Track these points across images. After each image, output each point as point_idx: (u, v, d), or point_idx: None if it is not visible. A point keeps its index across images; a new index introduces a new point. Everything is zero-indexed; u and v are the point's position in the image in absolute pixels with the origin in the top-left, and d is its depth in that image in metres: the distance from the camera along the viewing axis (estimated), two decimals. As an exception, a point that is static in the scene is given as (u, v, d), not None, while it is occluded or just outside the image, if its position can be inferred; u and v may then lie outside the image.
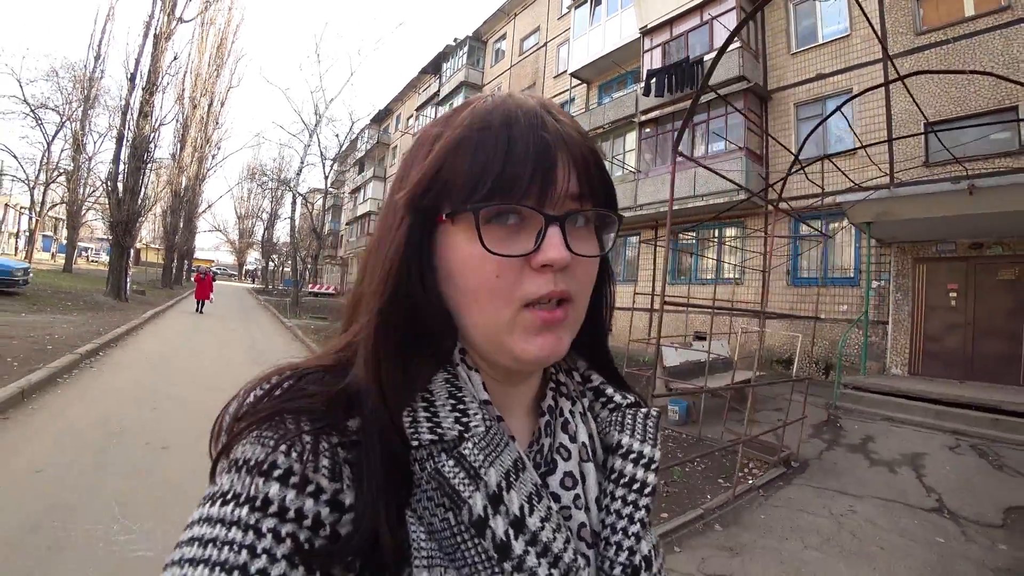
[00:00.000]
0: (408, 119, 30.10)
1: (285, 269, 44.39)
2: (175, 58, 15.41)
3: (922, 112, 6.91)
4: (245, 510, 0.32)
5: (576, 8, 15.70)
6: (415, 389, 0.40)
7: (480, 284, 0.40)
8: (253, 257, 59.70)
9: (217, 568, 0.30)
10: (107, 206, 15.76)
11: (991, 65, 8.62)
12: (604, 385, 0.53)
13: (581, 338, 0.46)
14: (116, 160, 14.52)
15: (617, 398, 0.52)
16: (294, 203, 23.93)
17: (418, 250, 0.41)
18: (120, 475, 3.50)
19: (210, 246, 62.99)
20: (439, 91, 25.37)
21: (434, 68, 26.45)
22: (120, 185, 14.37)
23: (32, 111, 23.76)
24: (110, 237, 15.89)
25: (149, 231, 38.57)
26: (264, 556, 0.31)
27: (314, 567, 0.32)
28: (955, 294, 8.64)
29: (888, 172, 9.30)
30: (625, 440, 0.49)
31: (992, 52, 8.71)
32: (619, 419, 0.50)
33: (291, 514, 0.32)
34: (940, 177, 8.55)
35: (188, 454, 3.92)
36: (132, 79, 14.65)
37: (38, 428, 4.28)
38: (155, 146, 15.02)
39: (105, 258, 49.43)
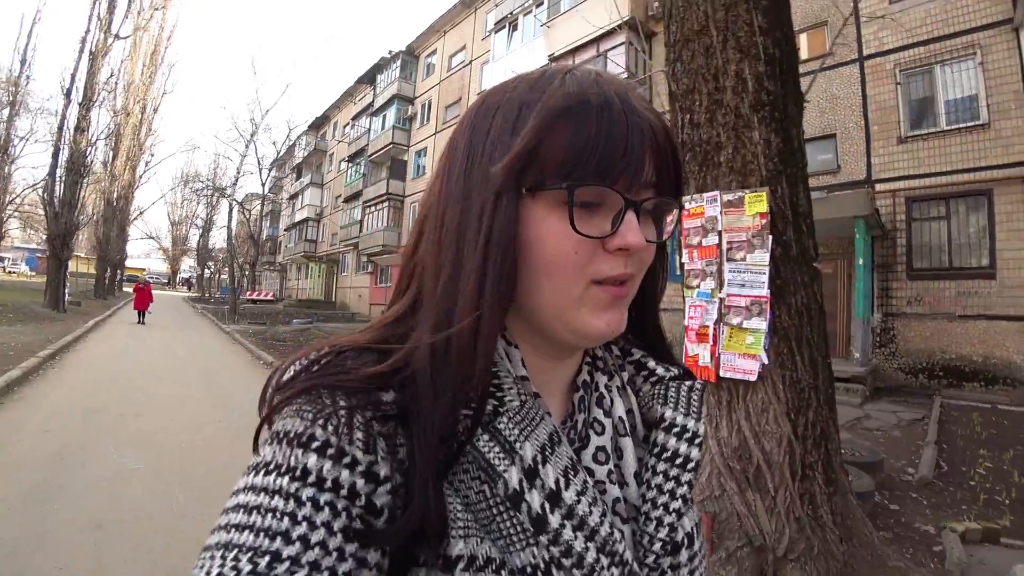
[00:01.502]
0: (345, 127, 30.88)
1: (222, 276, 43.89)
2: (112, 75, 15.88)
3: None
4: (286, 479, 0.34)
5: (495, 32, 17.33)
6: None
7: (557, 259, 0.40)
8: (187, 264, 58.20)
9: (261, 533, 0.32)
10: (30, 215, 16.00)
11: (817, 100, 10.85)
12: (645, 358, 0.52)
13: (629, 312, 0.45)
14: (52, 174, 14.91)
15: (660, 371, 0.51)
16: (231, 211, 24.40)
17: (516, 227, 0.40)
18: (107, 430, 4.83)
19: (140, 253, 60.84)
20: (374, 101, 26.42)
21: (369, 79, 27.44)
22: (56, 199, 14.79)
23: None
24: (47, 249, 16.17)
25: (78, 241, 37.35)
26: (305, 523, 0.32)
27: (368, 543, 0.34)
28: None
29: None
30: (668, 413, 0.48)
31: (817, 88, 10.91)
32: (662, 392, 0.50)
33: (328, 484, 0.33)
34: (832, 185, 10.67)
35: (158, 420, 5.34)
36: (68, 94, 15.10)
37: (32, 407, 5.55)
38: (92, 160, 15.43)
39: (25, 268, 47.16)
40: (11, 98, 21.26)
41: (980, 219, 9.01)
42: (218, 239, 42.73)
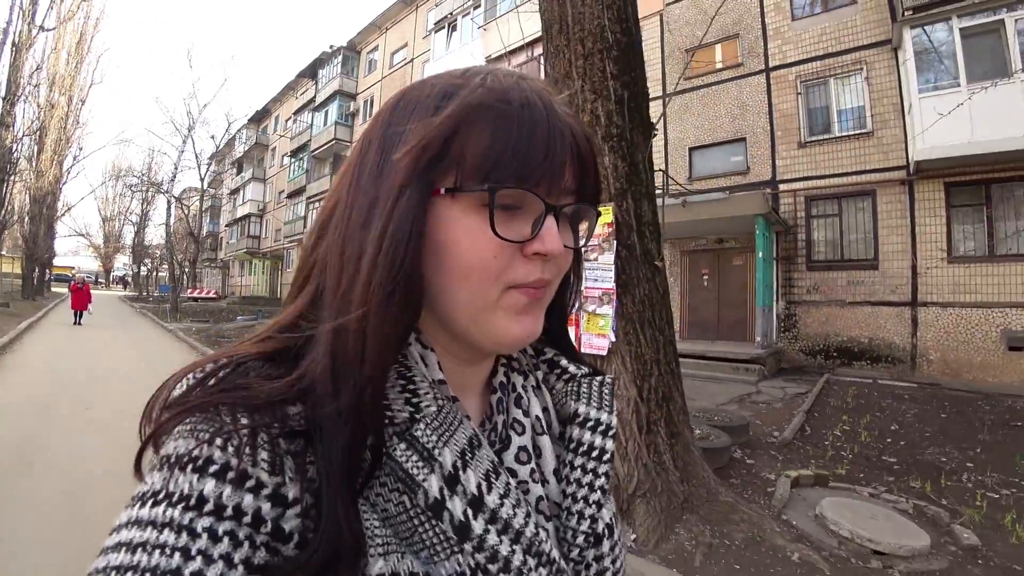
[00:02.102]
0: (287, 121, 30.43)
1: (160, 274, 42.29)
2: (38, 67, 15.30)
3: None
4: (178, 510, 0.30)
5: (435, 32, 17.68)
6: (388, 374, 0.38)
7: (474, 263, 0.39)
8: (121, 262, 55.55)
9: (147, 574, 0.28)
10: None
11: (730, 105, 11.84)
12: (558, 357, 0.53)
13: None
14: None
15: (572, 369, 0.52)
16: (169, 207, 23.76)
17: (420, 223, 0.38)
18: (62, 420, 5.08)
19: (68, 251, 57.67)
20: (315, 97, 26.20)
21: (311, 73, 27.16)
22: None
23: None
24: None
25: (2, 239, 35.21)
26: (199, 557, 0.29)
27: (265, 571, 0.31)
28: (707, 277, 11.80)
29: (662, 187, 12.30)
30: (582, 409, 0.49)
31: (730, 95, 11.91)
32: (575, 389, 0.50)
33: (228, 511, 0.31)
34: (698, 190, 11.63)
35: (108, 412, 5.59)
36: None
37: None
38: (18, 157, 14.88)
39: None
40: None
41: (866, 216, 10.16)
42: (155, 236, 41.14)
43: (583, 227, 0.46)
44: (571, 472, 0.47)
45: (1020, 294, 8.69)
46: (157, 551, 0.29)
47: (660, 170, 10.55)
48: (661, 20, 13.00)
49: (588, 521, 0.45)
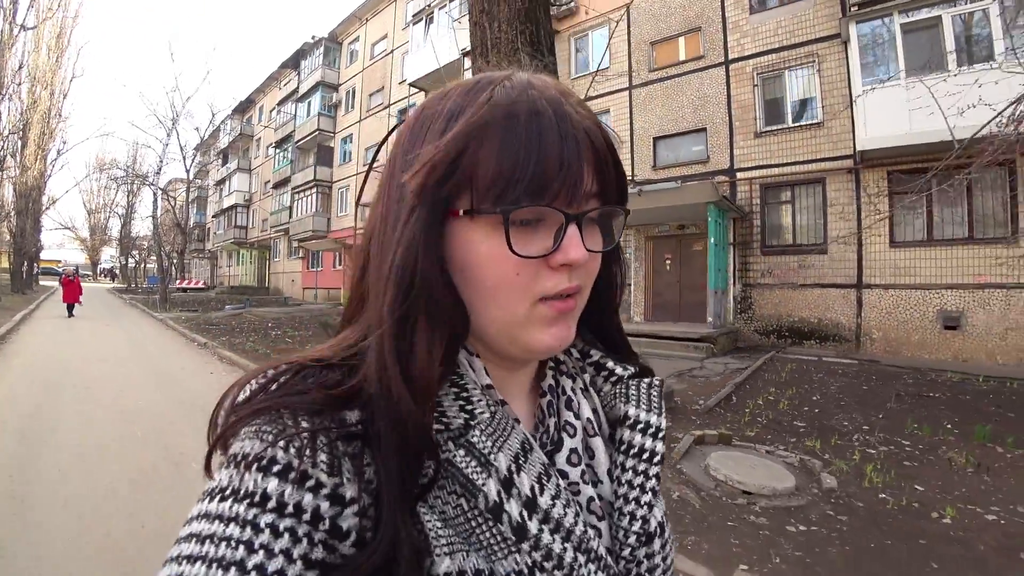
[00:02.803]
0: (271, 111, 30.56)
1: (148, 266, 42.45)
2: (20, 66, 15.57)
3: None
4: (244, 506, 0.32)
5: (413, 25, 17.99)
6: (440, 383, 0.40)
7: (499, 282, 0.40)
8: (108, 254, 55.54)
9: (214, 564, 0.30)
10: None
11: (692, 96, 12.32)
12: (604, 359, 0.54)
13: (588, 316, 0.47)
14: None
15: (618, 370, 0.53)
16: (155, 199, 24.03)
17: (435, 243, 0.40)
18: (69, 397, 5.62)
19: (54, 244, 57.52)
20: (298, 87, 26.39)
21: (293, 63, 27.31)
22: None
23: None
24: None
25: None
26: (262, 551, 0.31)
27: (326, 571, 0.33)
28: (669, 261, 12.37)
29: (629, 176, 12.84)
30: (631, 411, 0.50)
31: (692, 87, 12.38)
32: (623, 391, 0.51)
33: (290, 509, 0.33)
34: (661, 178, 12.16)
35: (109, 390, 6.16)
36: None
37: None
38: (4, 155, 15.22)
39: None
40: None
41: (816, 203, 10.74)
42: (142, 227, 41.26)
43: (616, 225, 0.47)
44: (622, 474, 0.48)
45: (955, 276, 9.31)
46: (224, 543, 0.31)
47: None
48: (628, 13, 13.41)
49: (640, 522, 0.46)
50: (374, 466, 0.36)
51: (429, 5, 17.40)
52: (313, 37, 25.33)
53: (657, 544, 0.48)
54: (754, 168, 11.38)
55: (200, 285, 34.68)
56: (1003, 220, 9.00)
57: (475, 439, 0.40)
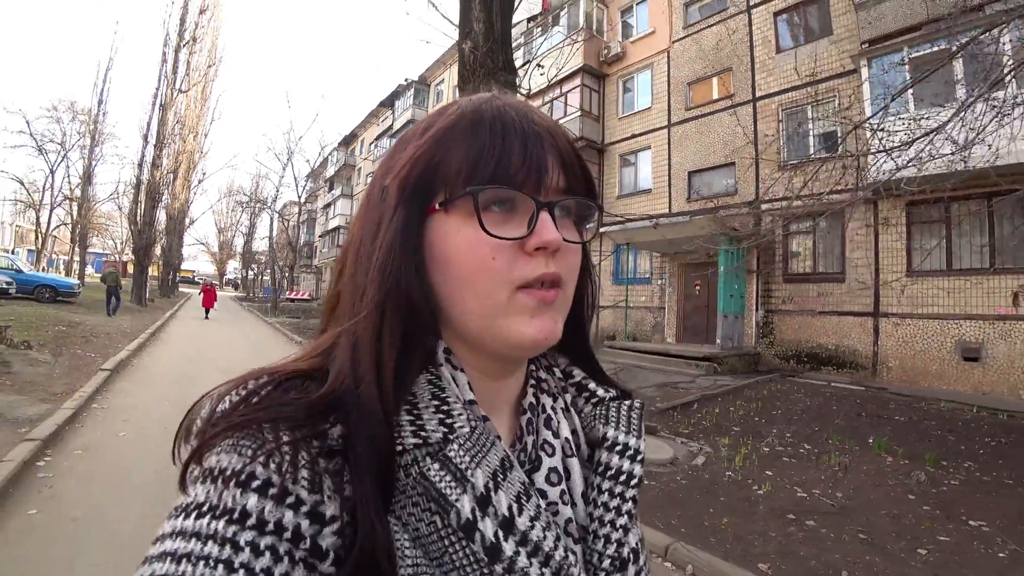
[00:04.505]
0: (370, 144, 34.34)
1: (264, 278, 48.54)
2: (178, 121, 19.85)
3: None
4: (222, 523, 0.32)
5: (485, 69, 20.14)
6: (407, 390, 0.40)
7: (476, 268, 0.40)
8: (232, 267, 63.80)
9: None
10: (101, 225, 20.31)
11: (723, 133, 13.16)
12: (586, 380, 0.54)
13: (563, 335, 0.45)
14: (135, 201, 19.14)
15: (600, 392, 0.53)
16: (272, 221, 28.16)
17: (414, 240, 0.41)
18: (205, 366, 8.16)
19: (189, 256, 67.42)
20: (393, 124, 29.67)
21: (389, 102, 30.72)
22: (139, 219, 18.97)
23: (39, 146, 28.06)
24: (132, 258, 20.67)
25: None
26: (242, 571, 0.30)
27: None
28: (699, 287, 13.15)
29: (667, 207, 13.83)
30: (610, 433, 0.49)
31: (723, 124, 13.20)
32: (603, 412, 0.51)
33: (270, 526, 0.32)
34: (693, 211, 13.05)
35: (231, 363, 8.77)
36: (145, 138, 19.38)
37: (156, 356, 9.88)
38: (167, 191, 19.62)
39: (90, 270, 54.01)
40: (91, 133, 25.72)
41: (835, 234, 11.17)
42: (261, 244, 47.46)
43: (588, 224, 0.47)
44: (598, 496, 0.47)
45: (975, 307, 9.41)
46: (201, 562, 0.30)
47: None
48: (668, 56, 14.51)
49: (614, 545, 0.45)
50: (352, 482, 0.36)
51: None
52: (406, 80, 28.47)
53: (632, 570, 0.47)
54: (777, 199, 11.97)
55: (306, 296, 39.28)
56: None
57: (452, 453, 0.38)
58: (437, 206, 0.41)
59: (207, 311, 19.82)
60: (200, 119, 27.27)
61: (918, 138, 5.74)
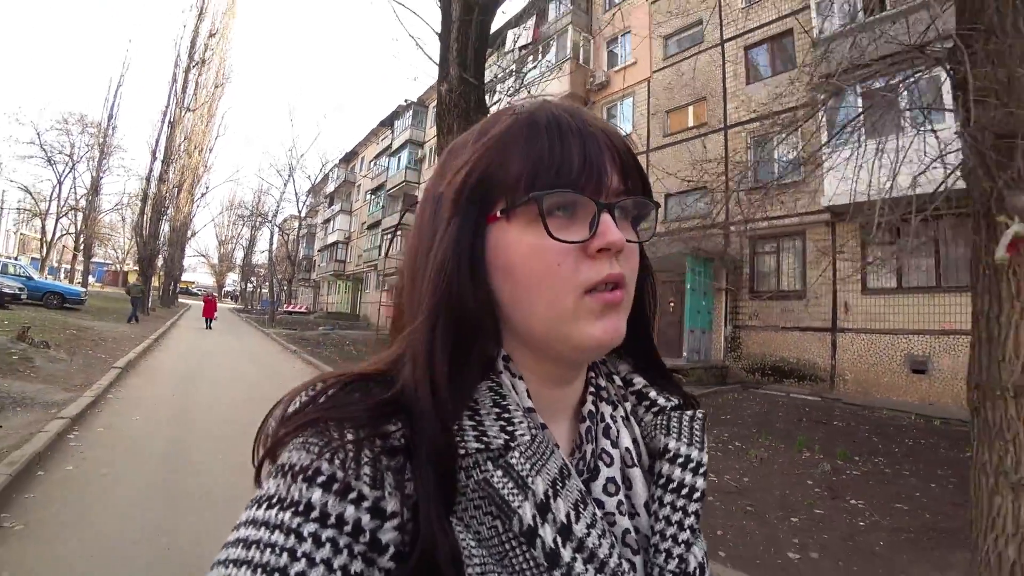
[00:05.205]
0: (370, 162, 35.33)
1: (263, 290, 49.29)
2: (185, 138, 20.76)
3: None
4: (288, 514, 0.34)
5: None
6: (466, 396, 0.41)
7: (543, 274, 0.40)
8: (231, 279, 64.62)
9: (259, 570, 0.32)
10: (105, 236, 21.16)
11: (697, 157, 13.98)
12: (647, 388, 0.53)
13: (627, 335, 0.44)
14: (141, 213, 19.96)
15: (661, 401, 0.52)
16: (272, 235, 28.98)
17: (470, 248, 0.41)
18: (208, 368, 8.97)
19: (189, 267, 68.19)
20: (392, 143, 30.68)
21: (389, 122, 31.76)
22: (144, 231, 19.76)
23: (48, 157, 29.05)
24: (136, 269, 21.47)
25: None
26: (303, 559, 0.32)
27: None
28: (673, 304, 13.88)
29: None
30: (672, 444, 0.48)
31: (697, 149, 14.01)
32: (664, 423, 0.50)
33: (332, 519, 0.34)
34: (659, 233, 13.84)
35: (230, 369, 9.67)
36: (153, 154, 20.27)
37: (161, 360, 10.32)
38: (171, 205, 20.39)
39: (92, 280, 54.74)
40: (100, 146, 26.69)
41: (797, 253, 11.95)
42: (261, 258, 48.31)
43: (646, 224, 0.48)
44: (660, 508, 0.46)
45: (923, 322, 10.13)
46: (268, 549, 0.33)
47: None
48: (648, 86, 15.44)
49: (676, 560, 0.45)
50: (414, 480, 0.37)
51: (495, 77, 20.43)
52: (406, 101, 29.52)
53: None
54: (745, 222, 12.75)
55: (302, 310, 40.01)
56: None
57: (514, 460, 0.39)
58: (498, 213, 0.42)
59: (208, 320, 20.45)
60: (206, 135, 28.23)
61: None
